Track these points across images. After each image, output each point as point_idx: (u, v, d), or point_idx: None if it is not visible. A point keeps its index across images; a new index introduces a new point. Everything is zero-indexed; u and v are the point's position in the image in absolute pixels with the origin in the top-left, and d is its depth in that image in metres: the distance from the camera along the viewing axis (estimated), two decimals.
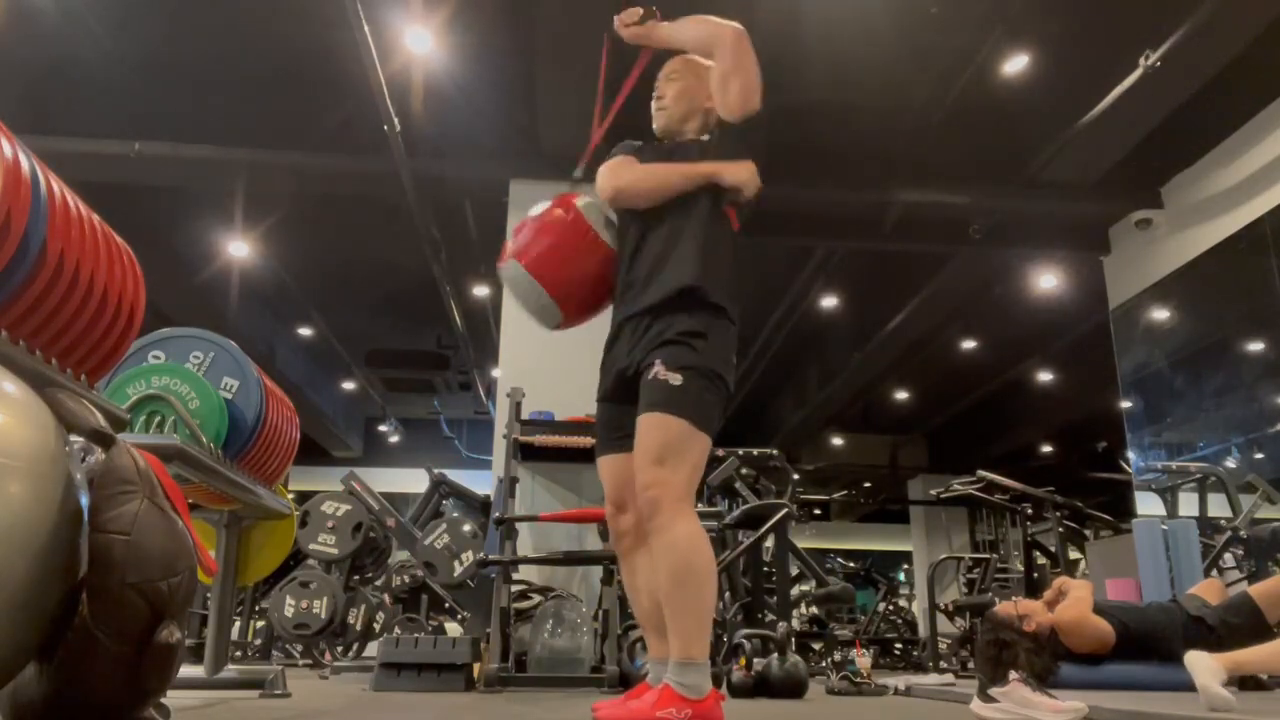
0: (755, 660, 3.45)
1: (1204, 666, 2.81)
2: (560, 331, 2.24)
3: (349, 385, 12.30)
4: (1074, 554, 6.37)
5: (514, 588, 4.27)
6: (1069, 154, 5.93)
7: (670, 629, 1.81)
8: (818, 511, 16.58)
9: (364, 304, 9.52)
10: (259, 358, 4.08)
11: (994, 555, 9.51)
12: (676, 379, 1.86)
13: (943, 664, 6.21)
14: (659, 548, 1.83)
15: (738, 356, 2.08)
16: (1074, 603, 3.30)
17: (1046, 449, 13.51)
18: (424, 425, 13.44)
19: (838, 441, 14.00)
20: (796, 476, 5.87)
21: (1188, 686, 3.19)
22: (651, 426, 1.86)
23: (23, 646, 1.21)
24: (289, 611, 5.22)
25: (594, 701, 1.96)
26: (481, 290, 8.32)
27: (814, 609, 7.38)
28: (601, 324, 2.21)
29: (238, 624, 6.96)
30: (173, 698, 1.72)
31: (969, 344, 10.12)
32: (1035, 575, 6.60)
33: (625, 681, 3.57)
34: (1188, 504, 5.41)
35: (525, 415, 4.88)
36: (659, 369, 1.88)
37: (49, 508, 1.19)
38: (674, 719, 1.71)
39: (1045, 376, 10.95)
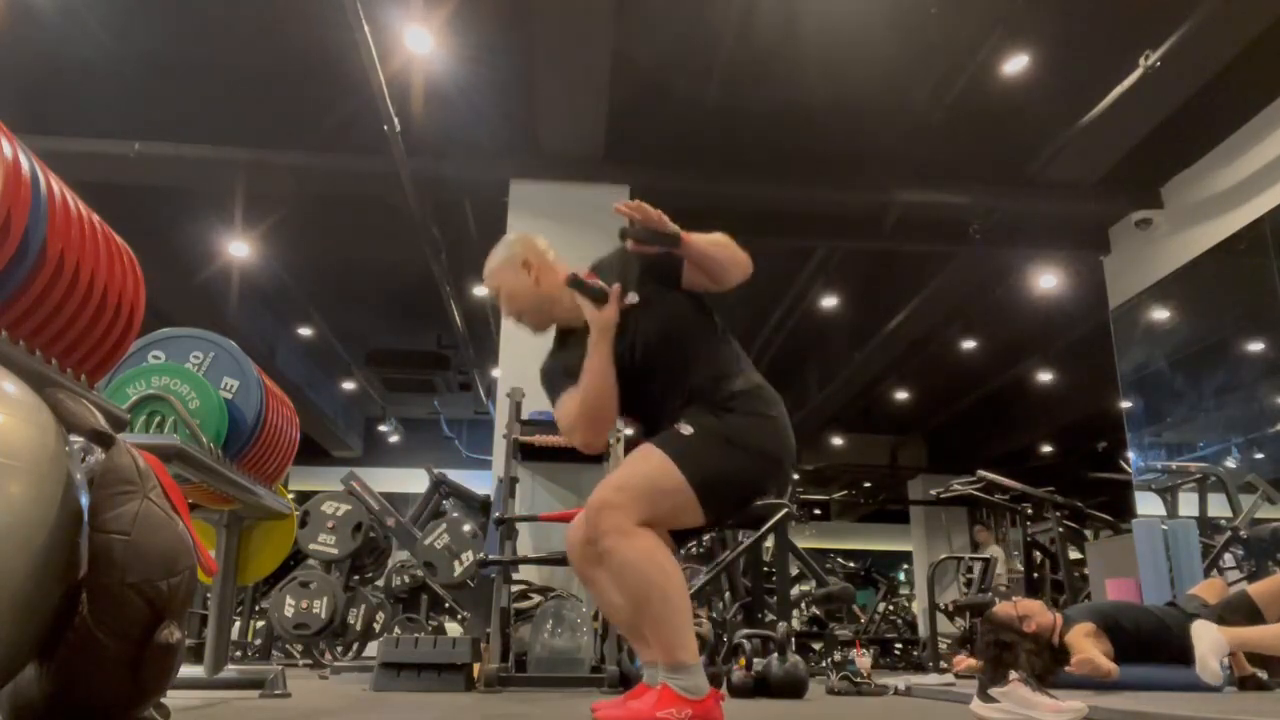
0: (755, 660, 3.45)
1: (1208, 638, 2.82)
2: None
3: (349, 385, 12.30)
4: (1074, 554, 6.36)
5: (514, 588, 4.27)
6: (1069, 154, 5.93)
7: (652, 641, 1.80)
8: (818, 511, 16.58)
9: (364, 304, 9.52)
10: (259, 358, 4.08)
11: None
12: (687, 429, 1.86)
13: (943, 664, 6.21)
14: (614, 569, 1.79)
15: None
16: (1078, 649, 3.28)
17: (1046, 449, 13.51)
18: (424, 425, 13.44)
19: (838, 441, 13.99)
20: (796, 476, 5.87)
21: (1187, 686, 3.19)
22: (636, 453, 1.86)
23: (23, 646, 1.21)
24: (289, 611, 5.22)
25: (594, 701, 1.96)
26: (481, 290, 8.31)
27: (814, 609, 7.38)
28: None
29: (238, 624, 6.96)
30: (173, 698, 1.72)
31: (969, 344, 10.12)
32: (1035, 575, 6.60)
33: (625, 681, 3.57)
34: (1188, 504, 5.41)
35: (525, 415, 4.88)
36: (679, 424, 1.88)
37: (49, 508, 1.19)
38: (674, 719, 1.71)
39: (1045, 376, 10.95)
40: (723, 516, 1.93)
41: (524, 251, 2.12)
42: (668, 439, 1.86)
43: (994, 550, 9.64)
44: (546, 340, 2.21)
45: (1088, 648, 3.23)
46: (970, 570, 8.35)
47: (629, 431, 1.94)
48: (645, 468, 1.83)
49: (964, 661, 4.37)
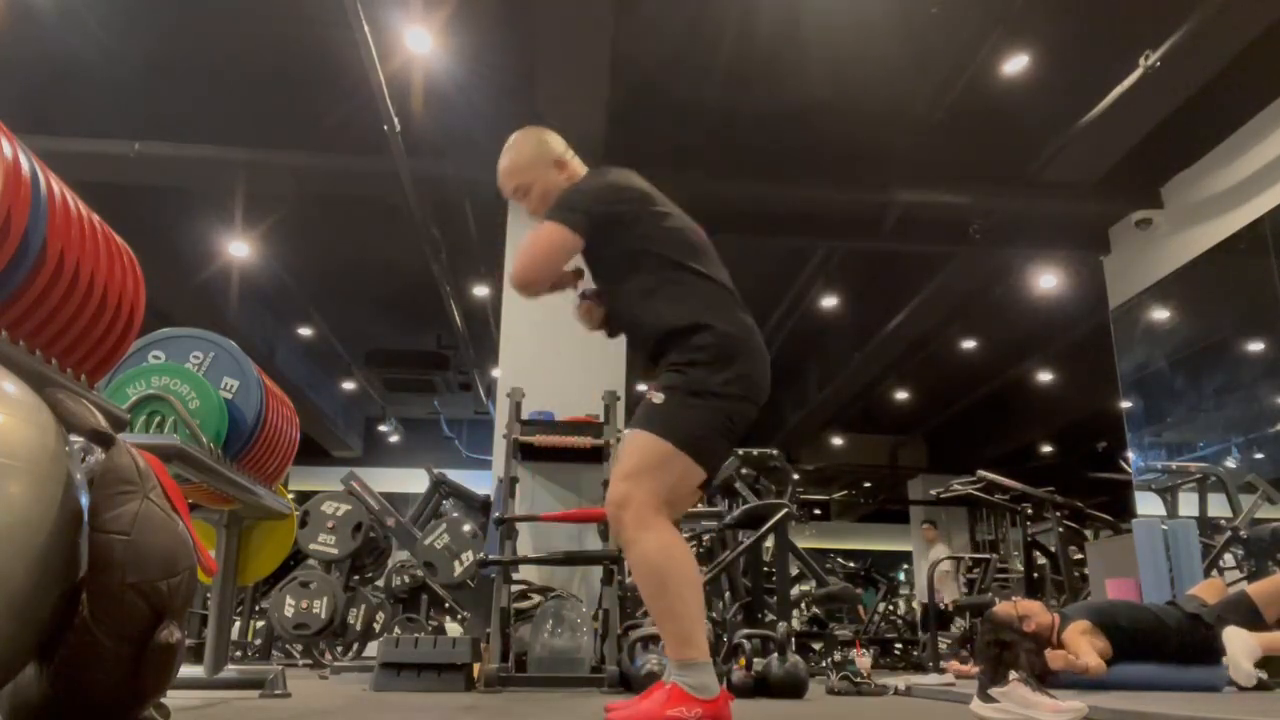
0: (755, 660, 3.45)
1: (1240, 642, 2.83)
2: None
3: (349, 385, 12.30)
4: (1074, 554, 6.36)
5: (514, 588, 4.27)
6: (1069, 154, 5.93)
7: (662, 635, 1.86)
8: (818, 511, 16.57)
9: (364, 304, 9.52)
10: (259, 358, 4.09)
11: (994, 555, 9.51)
12: (659, 398, 1.93)
13: (943, 664, 6.21)
14: (631, 561, 1.87)
15: None
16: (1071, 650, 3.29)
17: (1046, 449, 13.51)
18: (424, 425, 13.44)
19: (838, 441, 13.99)
20: (796, 476, 5.87)
21: (1186, 686, 3.20)
22: (626, 441, 1.94)
23: (22, 646, 1.21)
24: (289, 611, 5.22)
25: (594, 701, 1.97)
26: (481, 290, 8.31)
27: (814, 609, 7.38)
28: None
29: (238, 624, 6.95)
30: (173, 698, 1.72)
31: (969, 344, 10.12)
32: (1035, 575, 6.60)
33: (625, 681, 3.57)
34: (1188, 504, 5.41)
35: (525, 415, 4.88)
36: (650, 392, 1.98)
37: (49, 508, 1.20)
38: (684, 717, 1.72)
39: (1045, 376, 10.95)
40: (721, 460, 2.04)
41: (553, 150, 2.19)
42: (644, 415, 1.94)
43: (939, 549, 9.73)
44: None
45: (1083, 645, 3.23)
46: (972, 569, 8.35)
47: (627, 431, 1.95)
48: (638, 450, 1.90)
49: (959, 666, 4.38)
